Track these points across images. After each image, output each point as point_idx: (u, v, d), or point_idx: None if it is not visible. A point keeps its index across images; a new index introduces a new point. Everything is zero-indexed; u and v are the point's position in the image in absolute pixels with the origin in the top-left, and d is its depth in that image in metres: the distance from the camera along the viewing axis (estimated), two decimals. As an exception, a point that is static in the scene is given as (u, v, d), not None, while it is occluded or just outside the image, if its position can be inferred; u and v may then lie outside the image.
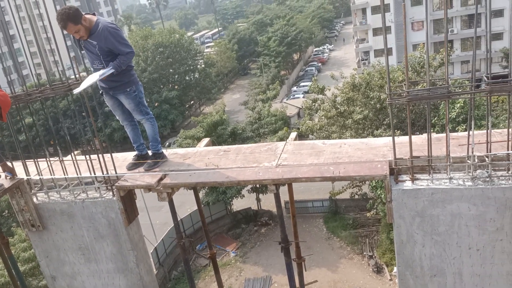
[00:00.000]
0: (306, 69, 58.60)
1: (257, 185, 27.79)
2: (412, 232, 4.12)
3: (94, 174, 4.85)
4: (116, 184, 4.77)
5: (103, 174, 4.87)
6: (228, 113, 33.88)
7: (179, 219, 5.32)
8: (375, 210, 23.05)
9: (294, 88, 48.73)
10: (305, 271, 5.43)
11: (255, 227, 27.63)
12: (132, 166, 5.06)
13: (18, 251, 20.64)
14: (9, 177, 4.83)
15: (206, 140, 5.79)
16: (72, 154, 5.13)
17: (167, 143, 36.53)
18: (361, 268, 23.08)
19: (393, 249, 23.23)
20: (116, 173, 4.87)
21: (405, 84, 3.92)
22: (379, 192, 21.29)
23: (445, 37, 3.69)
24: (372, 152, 4.56)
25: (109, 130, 36.89)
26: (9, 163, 4.88)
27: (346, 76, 24.35)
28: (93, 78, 4.37)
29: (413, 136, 4.26)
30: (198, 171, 4.72)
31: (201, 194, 27.10)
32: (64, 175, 4.97)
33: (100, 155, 4.81)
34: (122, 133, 37.13)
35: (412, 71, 21.93)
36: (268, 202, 29.94)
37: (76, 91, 4.30)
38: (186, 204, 28.23)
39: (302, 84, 49.08)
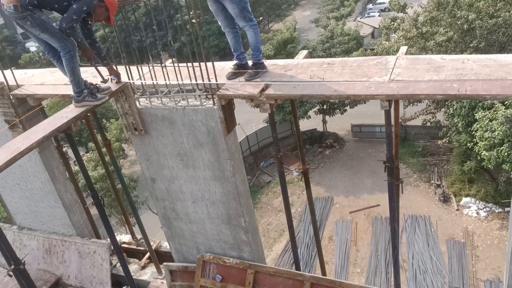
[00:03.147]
0: (385, -17, 53.35)
1: (324, 107, 27.30)
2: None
3: (196, 81, 4.79)
4: (218, 92, 4.71)
5: (203, 81, 4.80)
6: (297, 31, 32.41)
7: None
8: (447, 139, 21.94)
9: (370, 6, 44.90)
10: (402, 193, 5.25)
11: (320, 149, 27.70)
12: (232, 76, 4.93)
13: (98, 157, 22.51)
14: (115, 81, 4.93)
15: (304, 52, 5.46)
16: (173, 59, 5.09)
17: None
18: (427, 196, 22.73)
19: (463, 179, 22.41)
20: (216, 81, 4.79)
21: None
22: (455, 120, 20.06)
23: None
24: (503, 69, 4.02)
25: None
26: (114, 67, 4.94)
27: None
28: None
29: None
30: (303, 83, 4.49)
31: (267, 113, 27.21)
32: (165, 81, 4.97)
33: (201, 63, 4.71)
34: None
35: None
36: (334, 125, 29.57)
37: None
38: (251, 122, 28.69)
39: (378, 1, 45.05)
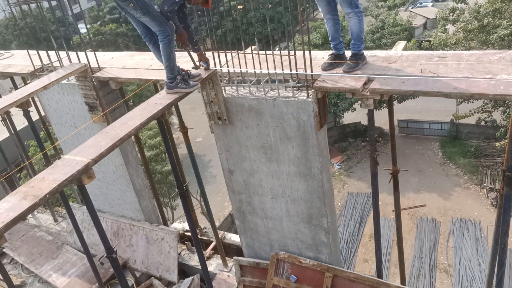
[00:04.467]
0: (439, -28, 50.53)
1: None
2: None
3: (290, 71, 4.48)
4: (315, 84, 4.38)
5: (297, 71, 4.49)
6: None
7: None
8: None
9: (423, -6, 42.79)
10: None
11: (363, 143, 26.98)
12: (328, 66, 4.58)
13: (145, 138, 22.62)
14: (203, 67, 4.69)
15: (402, 43, 5.03)
16: (254, 47, 4.79)
17: (276, 48, 35.64)
18: (478, 200, 21.66)
19: (519, 185, 21.15)
20: (312, 71, 4.45)
21: None
22: (516, 121, 18.80)
23: None
24: None
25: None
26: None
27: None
28: None
29: None
30: (413, 78, 4.08)
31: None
32: (255, 69, 4.69)
33: (295, 51, 4.40)
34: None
35: None
36: (379, 119, 28.33)
37: None
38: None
39: (433, -10, 42.90)
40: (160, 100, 4.21)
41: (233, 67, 4.74)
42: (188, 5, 4.33)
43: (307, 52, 4.36)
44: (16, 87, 6.36)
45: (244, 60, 4.71)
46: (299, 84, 4.51)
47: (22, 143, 6.87)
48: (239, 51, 4.82)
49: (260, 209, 5.54)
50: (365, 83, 4.22)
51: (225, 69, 4.78)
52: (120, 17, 37.60)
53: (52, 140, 7.29)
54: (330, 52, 4.85)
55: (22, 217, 3.15)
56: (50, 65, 5.71)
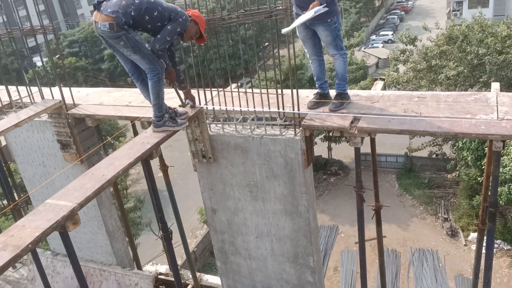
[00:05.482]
0: (388, 17, 53.90)
1: (330, 134, 27.19)
2: None
3: (278, 109, 4.51)
4: (303, 123, 4.42)
5: (283, 110, 4.53)
6: (306, 59, 32.70)
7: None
8: (457, 173, 21.87)
9: (373, 37, 45.47)
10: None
11: (324, 176, 27.43)
12: (314, 105, 4.67)
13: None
14: (189, 105, 4.62)
15: (381, 83, 5.25)
16: (238, 85, 4.80)
17: (239, 83, 36.21)
18: (434, 230, 22.44)
19: (471, 214, 22.22)
20: (299, 110, 4.51)
21: None
22: (465, 154, 20.07)
23: None
24: None
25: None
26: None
27: (442, 27, 22.43)
28: (307, 16, 3.94)
29: None
30: (398, 117, 4.23)
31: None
32: (240, 107, 4.69)
33: (282, 90, 4.46)
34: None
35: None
36: (338, 152, 29.37)
37: (285, 30, 3.96)
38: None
39: (382, 33, 45.71)
40: (147, 139, 4.06)
41: (219, 105, 4.71)
42: (182, 42, 4.29)
43: (294, 91, 4.44)
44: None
45: (230, 98, 4.71)
46: (287, 123, 4.54)
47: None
48: (225, 89, 4.81)
49: (243, 249, 5.39)
50: (352, 122, 4.32)
51: (211, 107, 4.74)
52: (80, 50, 36.78)
53: (14, 179, 6.79)
54: (314, 91, 4.97)
55: (2, 271, 2.84)
56: (19, 101, 5.40)
